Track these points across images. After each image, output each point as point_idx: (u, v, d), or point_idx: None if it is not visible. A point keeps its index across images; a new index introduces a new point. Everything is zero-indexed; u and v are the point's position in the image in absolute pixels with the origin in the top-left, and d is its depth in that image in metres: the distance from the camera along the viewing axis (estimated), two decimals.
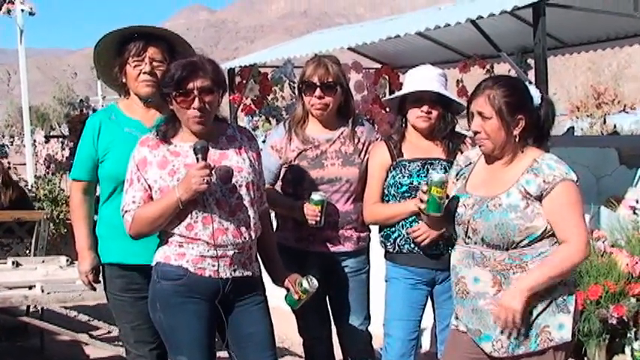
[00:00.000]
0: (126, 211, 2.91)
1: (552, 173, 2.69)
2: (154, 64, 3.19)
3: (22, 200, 6.44)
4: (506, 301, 2.67)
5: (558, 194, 2.68)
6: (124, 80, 3.27)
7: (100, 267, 3.30)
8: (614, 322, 4.12)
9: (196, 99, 2.82)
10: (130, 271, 3.18)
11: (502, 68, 8.95)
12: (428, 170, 3.37)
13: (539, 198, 2.70)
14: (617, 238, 4.72)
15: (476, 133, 2.81)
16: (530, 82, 3.56)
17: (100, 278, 3.33)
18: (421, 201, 2.93)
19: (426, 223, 3.21)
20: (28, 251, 6.10)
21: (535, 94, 2.84)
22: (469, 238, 2.80)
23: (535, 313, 2.71)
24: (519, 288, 2.66)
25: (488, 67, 8.85)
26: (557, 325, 2.71)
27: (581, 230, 2.69)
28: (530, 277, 2.67)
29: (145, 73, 3.19)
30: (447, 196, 2.92)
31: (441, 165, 3.42)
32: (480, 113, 2.78)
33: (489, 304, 2.74)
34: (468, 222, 2.78)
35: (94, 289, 3.37)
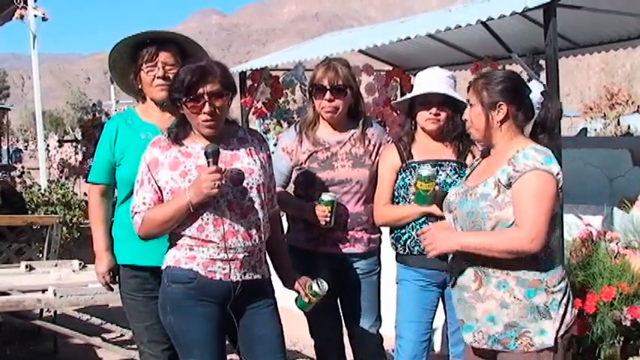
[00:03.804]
0: (136, 212, 2.92)
1: (525, 162, 2.67)
2: (167, 68, 3.23)
3: (10, 195, 6.53)
4: (440, 241, 2.78)
5: (523, 183, 2.65)
6: (140, 86, 3.31)
7: (117, 268, 3.33)
8: (628, 323, 4.09)
9: (207, 104, 2.82)
10: (143, 271, 3.22)
11: (514, 69, 8.92)
12: (437, 171, 3.36)
13: (509, 186, 2.68)
14: (631, 240, 4.67)
15: (466, 121, 2.90)
16: (540, 81, 3.54)
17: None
18: (413, 194, 3.21)
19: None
20: (41, 255, 6.14)
21: (536, 88, 2.83)
22: (455, 226, 2.87)
23: (510, 313, 2.71)
24: (455, 241, 2.76)
25: (499, 68, 8.80)
26: (538, 330, 2.71)
27: (537, 222, 2.62)
28: (469, 237, 2.74)
29: (158, 77, 3.23)
30: (434, 190, 3.14)
31: (451, 166, 3.42)
32: (468, 101, 2.86)
33: (472, 297, 2.79)
34: (454, 210, 2.85)
35: (112, 289, 3.42)
